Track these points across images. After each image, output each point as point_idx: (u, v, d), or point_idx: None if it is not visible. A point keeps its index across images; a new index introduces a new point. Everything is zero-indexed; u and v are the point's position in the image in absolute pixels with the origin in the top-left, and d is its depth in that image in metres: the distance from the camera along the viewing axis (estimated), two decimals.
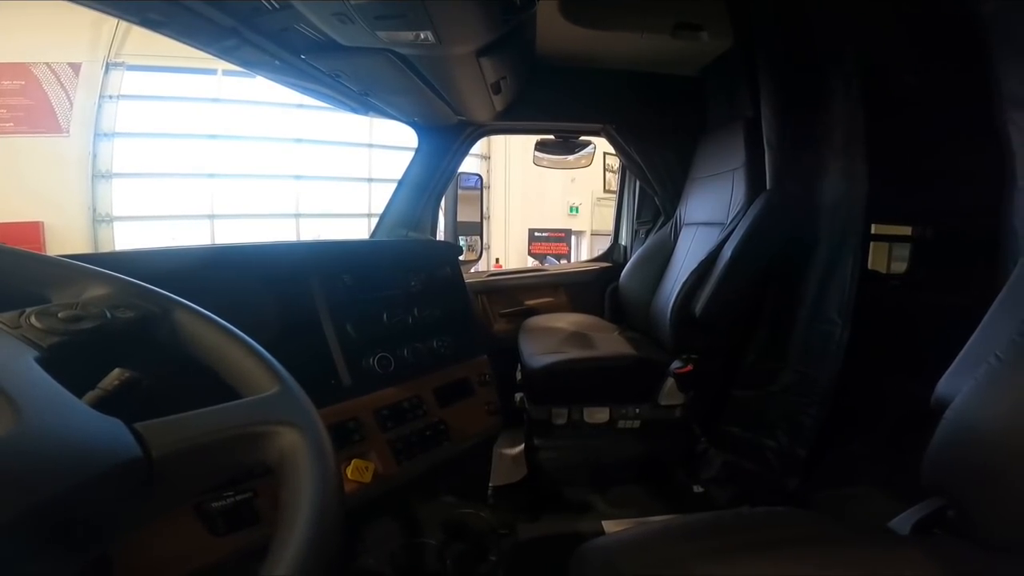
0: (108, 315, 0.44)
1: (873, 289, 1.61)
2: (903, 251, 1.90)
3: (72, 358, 0.40)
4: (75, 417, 0.33)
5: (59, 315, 0.41)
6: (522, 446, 1.96)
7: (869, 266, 1.72)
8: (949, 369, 0.84)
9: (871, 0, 1.52)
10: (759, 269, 1.69)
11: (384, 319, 1.22)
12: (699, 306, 1.65)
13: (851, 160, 1.56)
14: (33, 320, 0.40)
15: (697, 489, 1.83)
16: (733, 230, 1.67)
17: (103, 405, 0.41)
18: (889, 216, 1.72)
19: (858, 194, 1.55)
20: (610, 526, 1.66)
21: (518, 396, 1.91)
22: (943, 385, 0.83)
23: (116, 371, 0.44)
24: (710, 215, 1.93)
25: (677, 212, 2.22)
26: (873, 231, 1.66)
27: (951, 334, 0.91)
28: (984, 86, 1.31)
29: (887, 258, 1.94)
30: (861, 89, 1.53)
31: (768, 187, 1.69)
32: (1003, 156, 1.30)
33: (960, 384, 0.78)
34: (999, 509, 0.70)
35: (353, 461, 1.00)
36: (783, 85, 1.68)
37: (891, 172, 1.54)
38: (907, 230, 1.85)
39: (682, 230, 2.15)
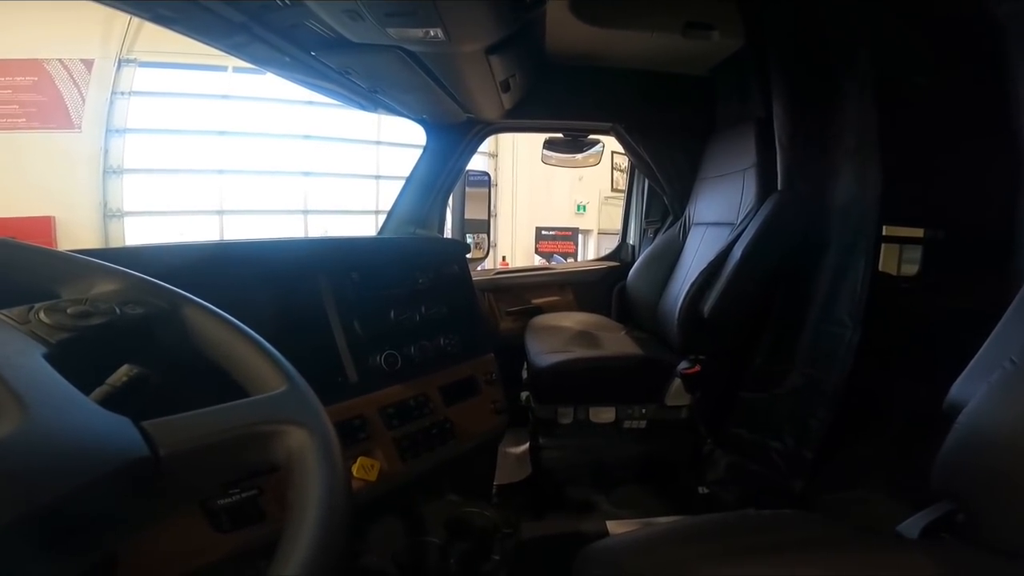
0: (117, 311, 0.43)
1: (883, 291, 1.60)
2: (914, 253, 1.88)
3: (81, 354, 0.40)
4: (83, 415, 0.33)
5: (68, 311, 0.41)
6: (527, 445, 1.96)
7: (879, 268, 1.70)
8: (962, 374, 0.83)
9: (885, 1, 1.50)
10: (769, 270, 1.68)
11: (391, 316, 1.22)
12: (707, 307, 1.64)
13: (863, 161, 1.55)
14: (42, 316, 0.40)
15: (702, 490, 1.82)
16: (743, 230, 1.66)
17: (110, 401, 0.41)
18: (901, 218, 1.70)
19: (870, 196, 1.53)
20: (614, 526, 1.65)
21: (524, 395, 1.90)
22: (956, 389, 0.82)
23: (124, 367, 0.44)
24: (720, 215, 1.92)
25: (686, 212, 2.21)
26: (884, 233, 1.65)
27: (962, 338, 0.90)
28: (999, 89, 1.29)
29: (897, 260, 1.92)
30: (874, 90, 1.52)
31: (779, 187, 1.67)
32: (1018, 160, 1.28)
33: (973, 389, 0.77)
34: (1010, 514, 0.69)
35: (359, 459, 1.00)
36: (795, 85, 1.67)
37: (903, 174, 1.52)
38: (919, 232, 1.83)
39: (691, 230, 2.14)
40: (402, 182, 2.23)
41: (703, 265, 1.71)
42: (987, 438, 0.73)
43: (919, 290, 1.80)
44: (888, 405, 1.63)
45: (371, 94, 1.73)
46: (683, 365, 1.70)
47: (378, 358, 1.15)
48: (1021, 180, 1.28)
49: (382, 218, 2.27)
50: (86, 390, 0.39)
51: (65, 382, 0.34)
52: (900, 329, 1.62)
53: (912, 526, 0.77)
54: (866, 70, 1.53)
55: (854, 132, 1.58)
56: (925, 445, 0.83)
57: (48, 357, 0.36)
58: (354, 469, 0.98)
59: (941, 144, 1.53)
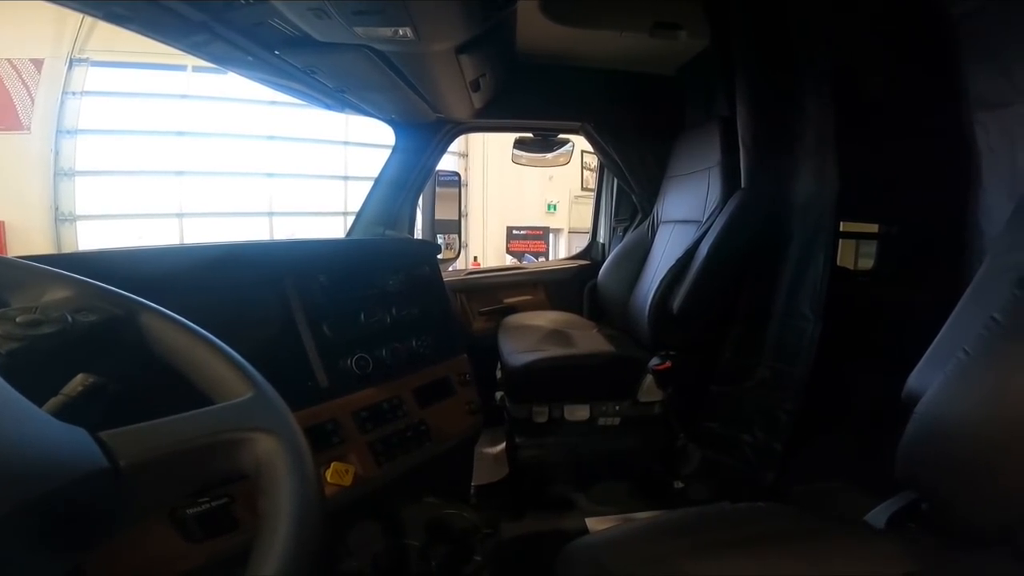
0: (69, 319, 0.41)
1: (842, 286, 1.65)
2: (869, 248, 1.95)
3: (32, 364, 0.38)
4: (34, 427, 0.31)
5: (17, 320, 0.39)
6: (503, 445, 1.96)
7: (838, 263, 1.75)
8: (919, 364, 0.86)
9: (845, 3, 1.55)
10: (735, 266, 1.71)
11: (361, 319, 1.20)
12: (676, 303, 1.67)
13: (823, 160, 1.59)
14: None
15: (677, 485, 1.85)
16: (709, 227, 1.69)
17: (67, 412, 0.39)
18: (857, 214, 1.76)
19: (828, 192, 1.58)
20: (593, 523, 1.66)
21: (498, 394, 1.90)
22: (913, 380, 0.85)
23: (80, 376, 0.42)
24: (687, 213, 1.95)
25: (654, 210, 2.24)
26: (841, 228, 1.70)
27: (918, 329, 0.93)
28: (951, 87, 1.35)
29: (854, 255, 1.98)
30: (833, 90, 1.56)
31: (743, 185, 1.71)
32: (968, 156, 1.34)
33: (930, 379, 0.79)
34: (971, 502, 0.72)
35: (332, 464, 0.98)
36: (758, 85, 1.70)
37: (860, 171, 1.57)
38: (874, 228, 1.90)
39: (659, 228, 2.17)
40: (371, 183, 2.19)
41: (671, 262, 1.74)
42: (945, 428, 0.75)
43: (875, 283, 1.86)
44: (851, 396, 1.68)
45: (338, 94, 1.70)
46: (654, 361, 1.72)
47: (349, 361, 1.13)
48: (971, 176, 1.34)
49: (351, 220, 2.24)
50: (40, 401, 0.37)
51: (15, 393, 0.32)
52: (859, 321, 1.67)
53: (879, 515, 0.79)
54: (825, 70, 1.57)
55: (814, 131, 1.62)
56: (887, 435, 0.85)
57: None
58: (328, 474, 0.96)
59: (895, 141, 1.59)
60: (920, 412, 0.78)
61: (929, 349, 0.85)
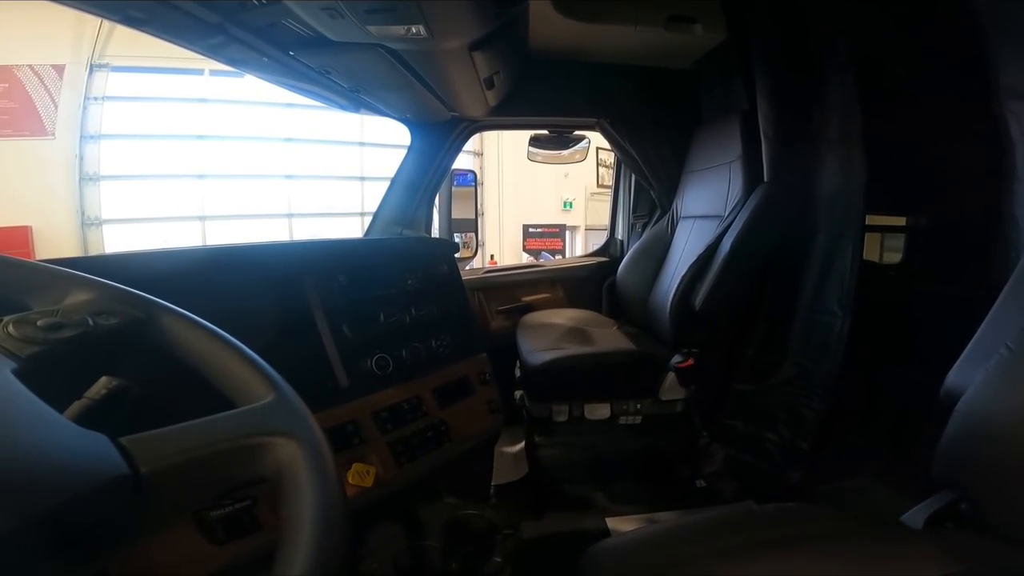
0: (90, 322, 0.41)
1: (870, 280, 1.61)
2: (895, 242, 1.90)
3: (54, 368, 0.38)
4: (54, 433, 0.31)
5: (38, 323, 0.39)
6: (523, 444, 1.95)
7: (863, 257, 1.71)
8: (958, 361, 0.82)
9: None
10: (758, 261, 1.68)
11: (381, 319, 1.20)
12: (698, 299, 1.64)
13: (848, 152, 1.56)
14: (11, 329, 0.37)
15: (700, 484, 1.83)
16: (732, 222, 1.66)
17: (90, 415, 0.39)
18: (884, 207, 1.71)
19: (855, 185, 1.54)
20: (614, 523, 1.65)
21: (518, 394, 1.89)
22: (953, 377, 0.81)
23: (104, 380, 0.41)
24: (707, 208, 1.91)
25: (673, 205, 2.20)
26: (867, 222, 1.66)
27: (949, 324, 0.90)
28: (979, 77, 1.30)
29: (879, 249, 1.93)
30: (856, 80, 1.52)
31: (766, 179, 1.68)
32: (1000, 147, 1.29)
33: (971, 376, 0.76)
34: (1015, 503, 0.69)
35: (353, 465, 0.98)
36: (778, 78, 1.67)
37: (885, 163, 1.53)
38: (901, 221, 1.85)
39: (679, 223, 2.14)
40: (387, 183, 2.20)
41: (692, 258, 1.71)
42: (988, 426, 0.72)
43: (904, 278, 1.81)
44: (879, 393, 1.64)
45: (353, 94, 1.70)
46: (676, 359, 1.69)
47: (369, 362, 1.13)
48: (1006, 167, 1.29)
49: (368, 220, 2.25)
50: (62, 405, 0.37)
51: (35, 399, 0.32)
52: (888, 317, 1.63)
53: (916, 516, 0.76)
54: (847, 61, 1.53)
55: (838, 123, 1.58)
56: (918, 433, 0.83)
57: (17, 373, 0.34)
58: (349, 476, 0.97)
59: (922, 132, 1.54)
60: (961, 411, 0.75)
61: (969, 345, 0.82)
